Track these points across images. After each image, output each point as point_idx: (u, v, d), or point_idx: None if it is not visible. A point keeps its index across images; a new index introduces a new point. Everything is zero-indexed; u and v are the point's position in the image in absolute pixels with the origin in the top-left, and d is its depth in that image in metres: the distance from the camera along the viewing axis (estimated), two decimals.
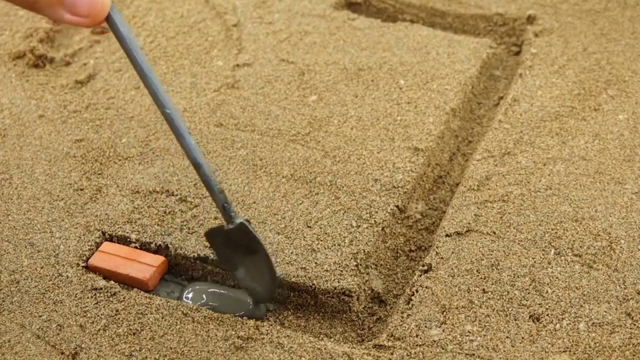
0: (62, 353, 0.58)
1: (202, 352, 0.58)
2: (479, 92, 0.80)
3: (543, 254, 0.63)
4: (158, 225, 0.67)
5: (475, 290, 0.61)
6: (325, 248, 0.64)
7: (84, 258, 0.64)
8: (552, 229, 0.65)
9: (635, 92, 0.76)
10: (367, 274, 0.64)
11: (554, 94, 0.77)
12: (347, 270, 0.63)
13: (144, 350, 0.58)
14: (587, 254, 0.63)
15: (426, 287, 0.62)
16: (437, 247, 0.64)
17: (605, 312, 0.60)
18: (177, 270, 0.65)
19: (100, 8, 0.50)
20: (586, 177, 0.69)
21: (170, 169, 0.71)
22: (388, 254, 0.67)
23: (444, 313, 0.60)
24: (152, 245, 0.65)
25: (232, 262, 0.60)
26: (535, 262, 0.63)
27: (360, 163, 0.71)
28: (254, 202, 0.68)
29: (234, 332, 0.59)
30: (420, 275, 0.63)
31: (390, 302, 0.64)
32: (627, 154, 0.71)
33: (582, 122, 0.74)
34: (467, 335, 0.59)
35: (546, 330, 0.59)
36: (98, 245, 0.66)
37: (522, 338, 0.58)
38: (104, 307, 0.61)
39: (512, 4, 0.87)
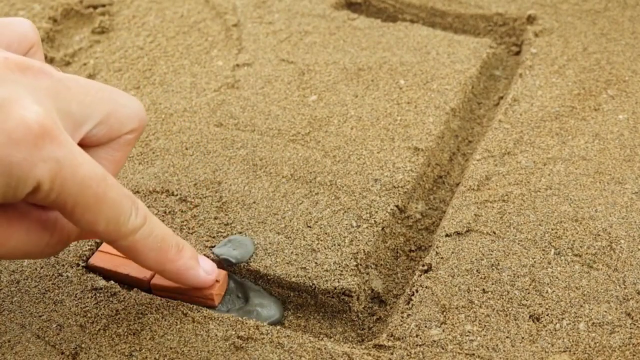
0: (62, 353, 0.58)
1: (202, 352, 0.58)
2: (479, 92, 0.80)
3: (543, 254, 0.63)
4: None
5: (475, 290, 0.61)
6: (325, 248, 0.64)
7: (84, 258, 0.64)
8: (552, 229, 0.65)
9: (635, 92, 0.76)
10: (367, 274, 0.64)
11: (554, 94, 0.77)
12: (347, 270, 0.63)
13: (144, 350, 0.58)
14: (587, 254, 0.63)
15: (426, 287, 0.62)
16: (437, 247, 0.64)
17: (605, 312, 0.60)
18: None
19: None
20: (586, 177, 0.69)
21: (170, 169, 0.71)
22: (388, 254, 0.67)
23: (444, 313, 0.60)
24: None
25: None
26: (535, 262, 0.63)
27: (360, 163, 0.71)
28: (254, 202, 0.68)
29: (234, 332, 0.59)
30: (420, 275, 0.63)
31: (390, 302, 0.64)
32: (627, 154, 0.71)
33: (582, 122, 0.74)
34: (467, 335, 0.59)
35: (546, 330, 0.59)
36: (98, 245, 0.66)
37: (522, 338, 0.58)
38: (104, 307, 0.61)
39: (512, 4, 0.87)
